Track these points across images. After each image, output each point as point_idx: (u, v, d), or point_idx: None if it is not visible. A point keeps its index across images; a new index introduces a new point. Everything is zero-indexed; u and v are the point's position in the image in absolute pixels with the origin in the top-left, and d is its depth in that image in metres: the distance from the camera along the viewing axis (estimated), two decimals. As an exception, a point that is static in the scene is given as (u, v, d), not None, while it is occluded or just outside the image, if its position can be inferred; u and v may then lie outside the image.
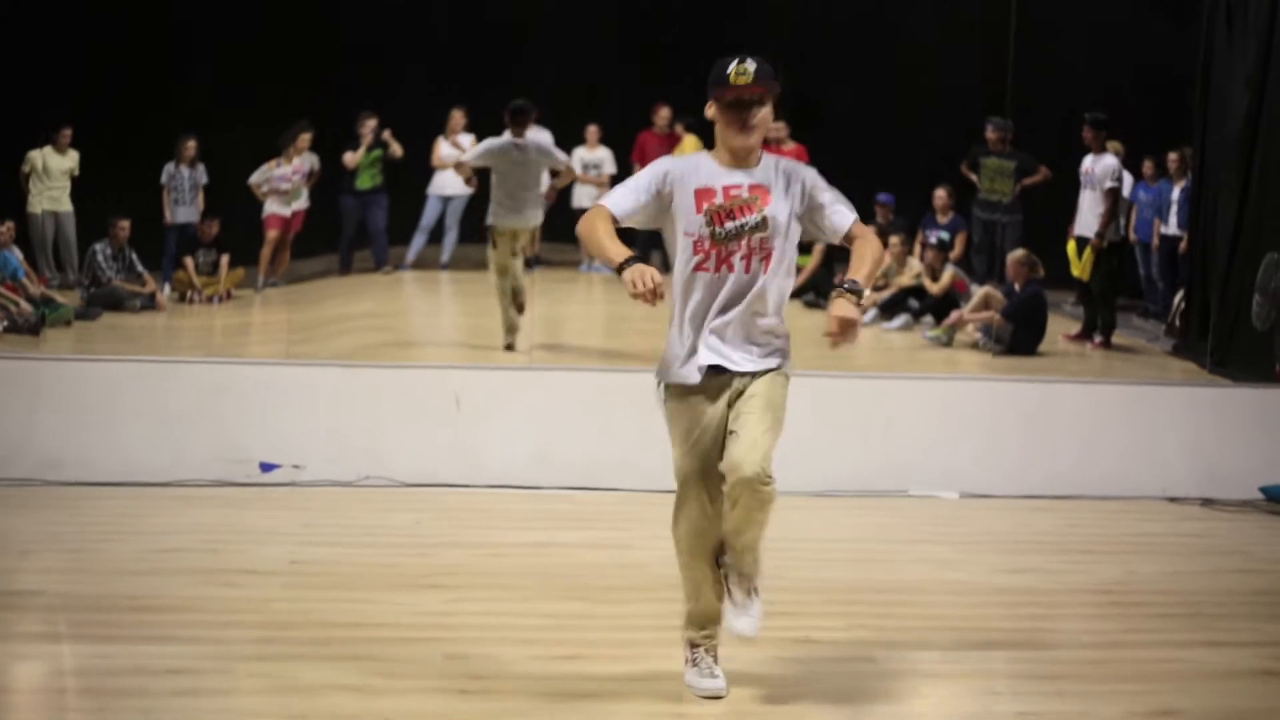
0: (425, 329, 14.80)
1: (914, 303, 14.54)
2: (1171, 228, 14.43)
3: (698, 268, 6.03)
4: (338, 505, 9.74)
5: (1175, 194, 14.35)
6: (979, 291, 13.90)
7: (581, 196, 15.93)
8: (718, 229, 5.98)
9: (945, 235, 14.87)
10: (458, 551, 8.70)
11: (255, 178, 14.70)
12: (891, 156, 15.17)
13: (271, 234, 14.74)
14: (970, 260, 15.33)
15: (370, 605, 7.58)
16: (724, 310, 6.05)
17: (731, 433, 6.05)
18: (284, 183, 14.72)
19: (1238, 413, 10.87)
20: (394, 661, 6.74)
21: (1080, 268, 13.83)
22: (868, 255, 6.07)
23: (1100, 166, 13.71)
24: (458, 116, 16.02)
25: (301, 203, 14.90)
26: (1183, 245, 14.06)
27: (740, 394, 6.08)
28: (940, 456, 10.57)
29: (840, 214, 6.12)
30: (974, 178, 15.29)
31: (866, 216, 15.23)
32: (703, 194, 6.00)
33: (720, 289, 6.04)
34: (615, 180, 16.52)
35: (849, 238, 6.14)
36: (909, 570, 8.61)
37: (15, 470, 9.99)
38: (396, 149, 15.44)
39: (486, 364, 11.50)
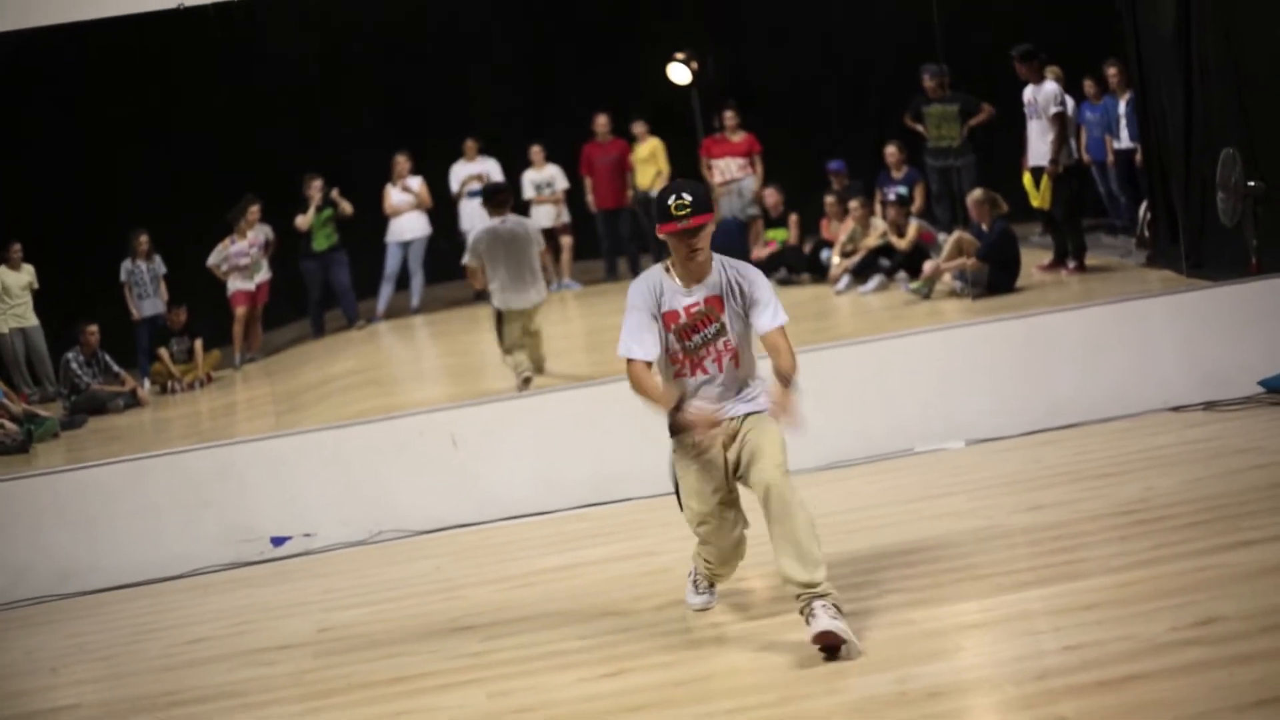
0: (409, 376, 14.78)
1: (884, 262, 14.56)
2: (1124, 141, 14.44)
3: (678, 374, 7.10)
4: (355, 565, 9.72)
5: (1122, 108, 14.36)
6: (950, 238, 13.91)
7: (540, 217, 15.94)
8: (686, 343, 7.03)
9: (903, 190, 14.89)
10: (484, 589, 8.69)
11: (213, 259, 14.67)
12: (836, 123, 15.19)
13: (240, 310, 14.71)
14: (932, 210, 15.35)
15: (406, 658, 7.56)
16: (709, 395, 7.08)
17: (748, 459, 6.98)
18: (242, 258, 14.69)
19: (1223, 311, 10.88)
20: (440, 710, 6.73)
21: (1040, 197, 13.84)
22: (784, 361, 7.01)
23: (1042, 95, 13.73)
24: (402, 161, 16.02)
25: (263, 274, 14.87)
26: (1138, 156, 14.07)
27: (736, 434, 7.06)
28: (940, 409, 10.58)
29: (766, 317, 7.04)
30: (920, 128, 15.29)
31: (821, 186, 15.42)
32: (669, 317, 7.01)
33: (701, 385, 7.09)
34: (570, 196, 16.55)
35: (767, 340, 7.05)
36: (930, 526, 8.61)
37: (29, 589, 9.99)
38: (346, 206, 15.42)
39: (476, 399, 11.48)
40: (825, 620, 6.55)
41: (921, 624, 6.91)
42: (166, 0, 10.92)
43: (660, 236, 6.97)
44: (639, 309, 7.00)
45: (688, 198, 6.86)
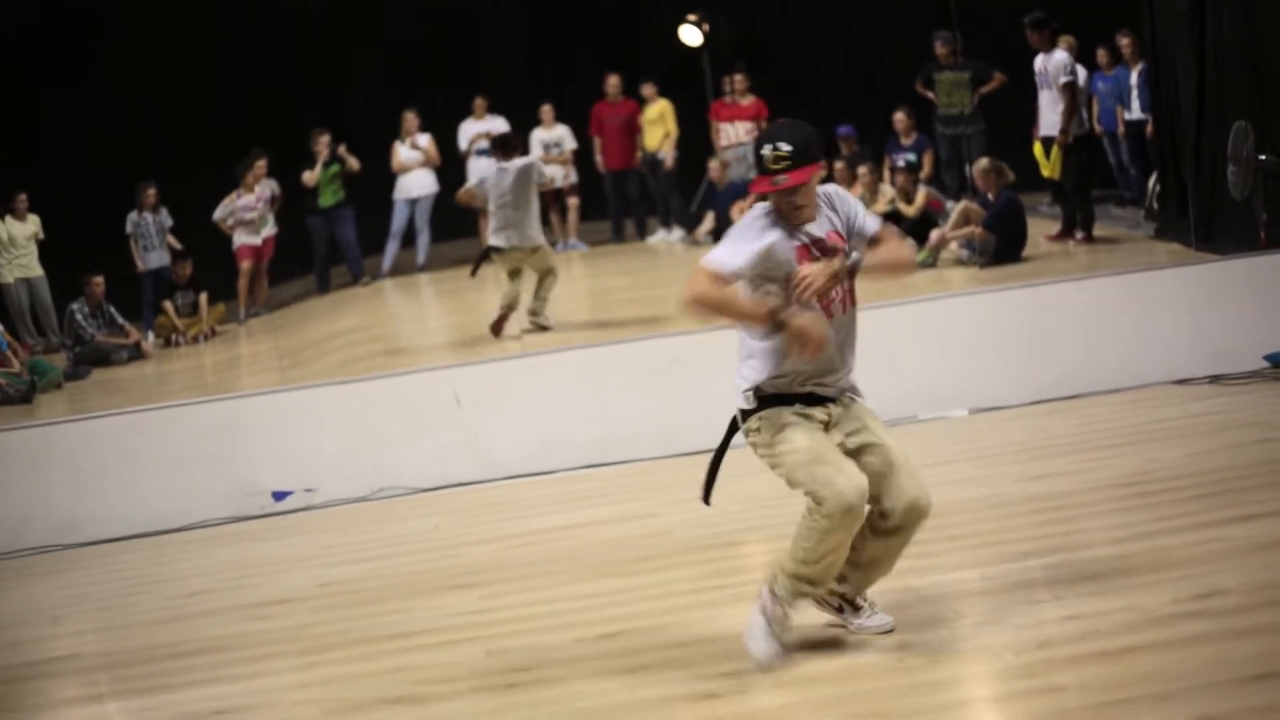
0: (413, 334, 14.77)
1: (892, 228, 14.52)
2: (1135, 113, 14.40)
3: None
4: (356, 521, 9.73)
5: (1134, 79, 14.31)
6: (957, 207, 13.86)
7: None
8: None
9: (912, 157, 14.85)
10: (483, 548, 8.69)
11: (219, 213, 14.65)
12: (846, 88, 15.15)
13: (245, 265, 14.71)
14: (941, 177, 15.31)
15: (405, 614, 7.57)
16: (830, 347, 6.19)
17: (875, 461, 6.30)
18: (248, 212, 14.67)
19: (1231, 285, 10.86)
20: (438, 666, 6.73)
21: (1050, 167, 13.80)
22: (888, 252, 6.28)
23: (1053, 64, 13.67)
24: (411, 118, 15.99)
25: (269, 229, 14.86)
26: (1149, 128, 14.03)
27: (835, 421, 6.31)
28: (945, 376, 10.56)
29: (871, 221, 6.30)
30: (931, 95, 15.25)
31: (831, 151, 15.35)
32: (802, 251, 6.08)
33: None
34: (577, 156, 16.52)
35: (878, 237, 6.27)
36: (933, 494, 8.58)
37: (32, 539, 10.00)
38: (353, 162, 15.39)
39: (481, 358, 11.47)
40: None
41: (921, 590, 6.91)
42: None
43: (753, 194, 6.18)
44: (744, 239, 6.06)
45: (785, 147, 5.96)
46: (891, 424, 10.14)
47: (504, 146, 12.85)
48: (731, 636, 6.47)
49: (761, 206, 6.14)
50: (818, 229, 6.12)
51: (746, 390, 6.21)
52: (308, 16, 15.54)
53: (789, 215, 6.04)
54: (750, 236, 6.04)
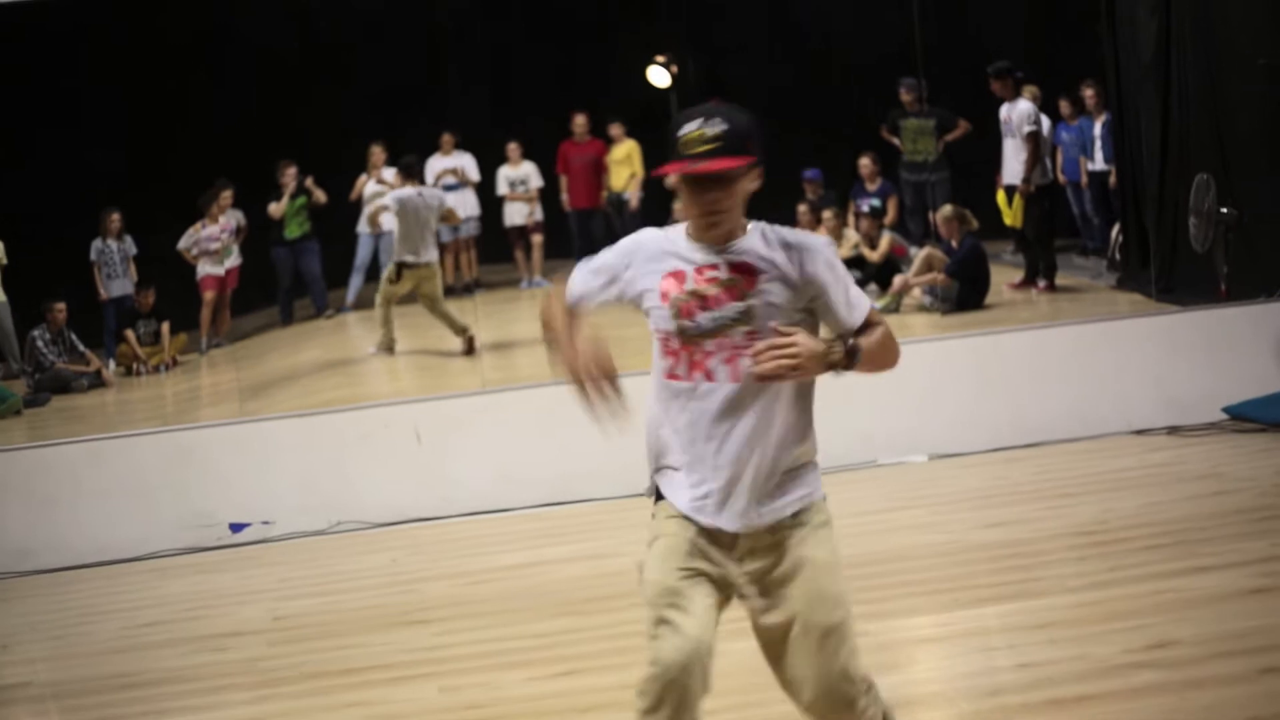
0: (376, 367, 14.73)
1: (856, 273, 14.55)
2: (1098, 163, 14.48)
3: (669, 374, 4.62)
4: (312, 555, 9.70)
5: (1097, 129, 14.40)
6: (920, 253, 13.91)
7: (513, 214, 15.92)
8: (687, 323, 4.48)
9: (876, 202, 14.89)
10: (439, 584, 8.68)
11: (184, 242, 14.61)
12: (813, 131, 15.18)
13: (209, 295, 14.66)
14: (905, 223, 15.35)
15: (359, 649, 7.55)
16: (703, 425, 4.57)
17: (792, 624, 4.65)
18: (213, 243, 14.64)
19: (1191, 337, 10.93)
20: (391, 703, 6.72)
21: (1012, 216, 13.87)
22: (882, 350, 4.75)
23: (1017, 113, 13.75)
24: (378, 152, 15.97)
25: (234, 260, 14.82)
26: (1112, 179, 14.12)
27: (761, 551, 4.67)
28: (905, 422, 10.59)
29: (842, 309, 4.59)
30: (896, 141, 15.31)
31: (795, 195, 15.41)
32: (673, 278, 4.49)
33: (696, 401, 4.57)
34: (543, 194, 16.53)
35: (863, 328, 4.67)
36: (889, 539, 8.62)
37: (-15, 566, 9.95)
38: (319, 195, 15.37)
39: (442, 394, 11.45)
40: None
41: (876, 635, 6.91)
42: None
43: (667, 181, 4.49)
44: (607, 251, 4.62)
45: (720, 126, 4.38)
46: (850, 469, 10.27)
47: (412, 170, 14.02)
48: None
49: (656, 229, 4.66)
50: (729, 254, 4.46)
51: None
52: (277, 49, 15.54)
53: (698, 224, 4.47)
54: (620, 249, 4.64)
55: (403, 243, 13.73)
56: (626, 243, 4.62)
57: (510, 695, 6.63)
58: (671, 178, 4.44)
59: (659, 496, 4.66)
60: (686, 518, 4.55)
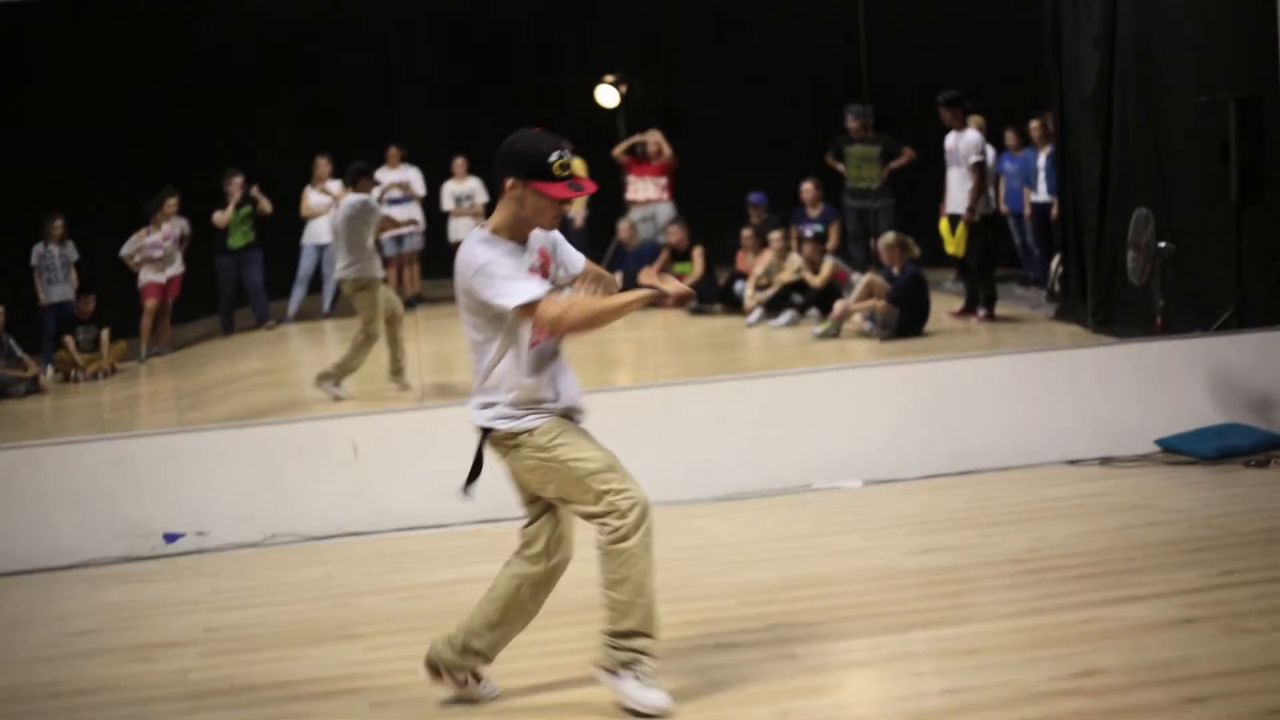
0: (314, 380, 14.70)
1: (797, 298, 14.63)
2: (1041, 195, 14.58)
3: (535, 343, 6.29)
4: (246, 567, 9.68)
5: (1041, 161, 14.50)
6: (861, 280, 14.00)
7: (457, 229, 15.92)
8: None
9: (819, 227, 14.97)
10: (372, 599, 8.67)
11: (126, 249, 14.56)
12: (758, 156, 15.24)
13: (150, 303, 14.61)
14: (848, 249, 15.43)
15: (290, 663, 7.54)
16: (560, 366, 6.43)
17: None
18: (156, 250, 14.59)
19: (1126, 369, 11.02)
20: (322, 717, 6.72)
21: (955, 244, 13.96)
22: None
23: (964, 143, 13.85)
24: (323, 164, 15.94)
25: (176, 268, 14.77)
26: (1054, 211, 14.22)
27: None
28: (840, 447, 10.65)
29: (577, 256, 6.60)
30: (840, 167, 15.38)
31: (741, 218, 15.47)
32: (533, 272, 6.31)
33: (556, 353, 6.42)
34: (488, 209, 16.53)
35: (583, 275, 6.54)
36: (821, 563, 8.66)
37: (-85, 571, 9.88)
38: (265, 205, 15.34)
39: (380, 408, 11.46)
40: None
41: (805, 659, 6.96)
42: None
43: (513, 193, 6.24)
44: (500, 262, 6.19)
45: (572, 155, 6.29)
46: (785, 493, 10.33)
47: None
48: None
49: (479, 233, 6.29)
50: (536, 243, 6.38)
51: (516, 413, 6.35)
52: (226, 60, 15.50)
53: (546, 225, 6.33)
54: (499, 263, 6.18)
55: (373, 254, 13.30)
56: (496, 252, 6.20)
57: (440, 713, 6.64)
58: (523, 188, 6.23)
59: (527, 429, 6.33)
60: (567, 417, 6.43)
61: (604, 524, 6.24)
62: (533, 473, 6.37)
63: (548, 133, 6.33)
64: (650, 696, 6.32)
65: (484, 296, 6.13)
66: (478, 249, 6.19)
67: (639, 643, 6.30)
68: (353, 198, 13.21)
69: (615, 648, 6.34)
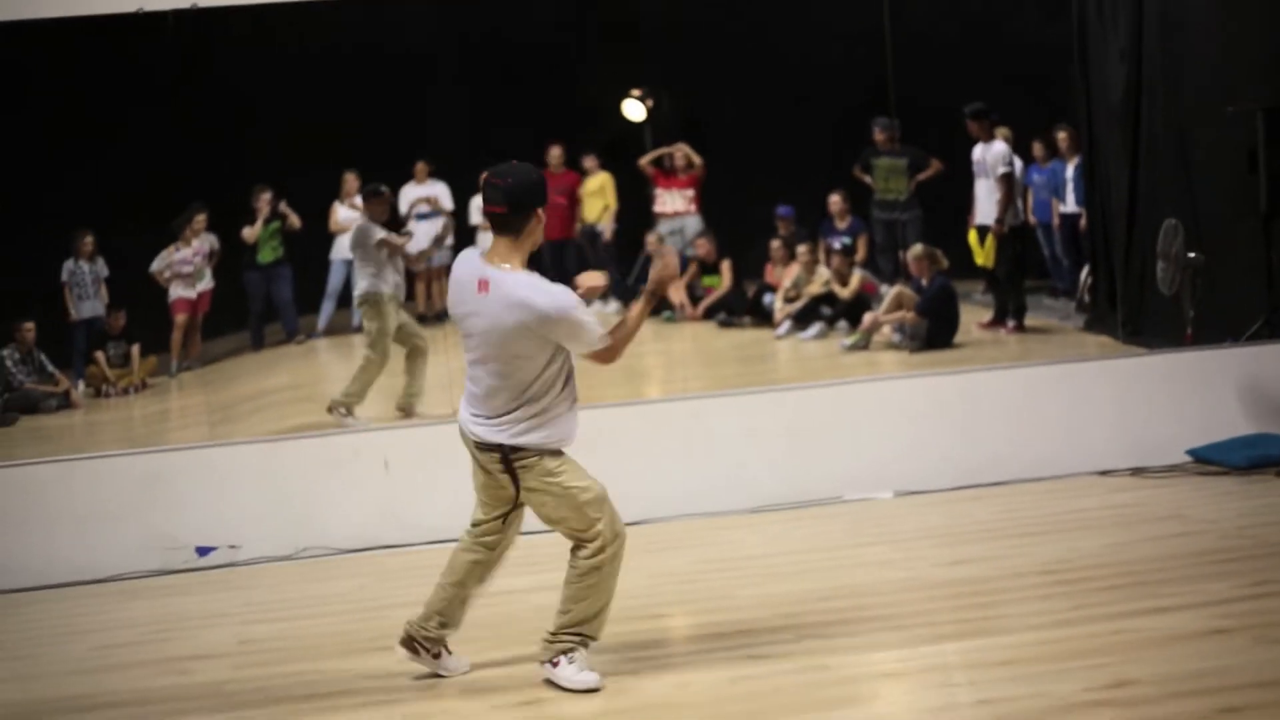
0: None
1: (826, 310, 14.63)
2: (1070, 205, 14.57)
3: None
4: (279, 580, 9.71)
5: (1069, 172, 14.49)
6: (891, 292, 13.99)
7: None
8: None
9: (847, 240, 14.97)
10: (404, 611, 8.63)
11: (156, 265, 14.62)
12: (785, 168, 15.25)
13: (180, 318, 14.66)
14: (876, 261, 15.43)
15: (323, 675, 7.57)
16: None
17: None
18: (186, 266, 14.65)
19: (1156, 379, 11.00)
20: (355, 729, 6.74)
21: (984, 256, 13.95)
22: None
23: (991, 154, 13.84)
24: (351, 179, 15.99)
25: (206, 283, 14.82)
26: (1083, 221, 14.20)
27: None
28: (871, 458, 10.65)
29: None
30: (868, 179, 15.38)
31: (769, 230, 15.48)
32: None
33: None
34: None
35: None
36: (852, 574, 8.66)
37: (-50, 585, 9.94)
38: (294, 220, 15.40)
39: (411, 422, 11.49)
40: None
41: (837, 670, 6.96)
42: (126, 3, 10.93)
43: (525, 226, 7.25)
44: (581, 302, 6.84)
45: None
46: (815, 505, 10.33)
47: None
48: (647, 708, 6.51)
49: (525, 275, 6.99)
50: None
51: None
52: (255, 76, 15.56)
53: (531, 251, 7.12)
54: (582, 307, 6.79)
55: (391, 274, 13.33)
56: (558, 287, 6.76)
57: (473, 723, 6.67)
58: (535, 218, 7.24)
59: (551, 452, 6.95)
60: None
61: (587, 547, 6.92)
62: (534, 492, 6.99)
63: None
64: (584, 676, 6.93)
65: (576, 336, 6.72)
66: (552, 289, 6.75)
67: (579, 638, 6.98)
68: (355, 218, 13.32)
69: (555, 641, 6.99)
